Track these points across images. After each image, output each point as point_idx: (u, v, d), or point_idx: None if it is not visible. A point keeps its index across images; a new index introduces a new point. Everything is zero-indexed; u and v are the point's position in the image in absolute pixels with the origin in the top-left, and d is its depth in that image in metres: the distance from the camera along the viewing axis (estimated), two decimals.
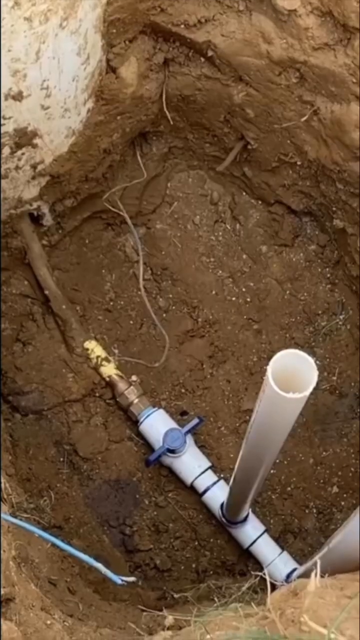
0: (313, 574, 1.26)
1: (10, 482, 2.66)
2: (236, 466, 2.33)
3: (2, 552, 1.67)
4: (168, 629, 1.77)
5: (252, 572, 1.92)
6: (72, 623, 2.04)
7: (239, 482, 2.44)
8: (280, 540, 3.11)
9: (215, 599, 2.29)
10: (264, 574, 1.47)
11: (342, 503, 3.17)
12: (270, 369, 1.61)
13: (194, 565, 3.13)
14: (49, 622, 1.82)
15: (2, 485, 2.38)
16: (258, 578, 1.60)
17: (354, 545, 1.68)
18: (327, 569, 1.58)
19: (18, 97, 2.28)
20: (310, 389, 1.59)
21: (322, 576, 1.49)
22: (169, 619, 1.78)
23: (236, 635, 1.17)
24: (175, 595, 2.69)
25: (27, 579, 1.98)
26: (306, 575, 1.43)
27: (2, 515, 1.67)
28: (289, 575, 2.90)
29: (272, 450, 2.04)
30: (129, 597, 2.96)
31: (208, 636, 1.30)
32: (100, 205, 3.17)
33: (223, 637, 1.23)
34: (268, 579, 1.40)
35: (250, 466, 2.20)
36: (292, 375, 1.62)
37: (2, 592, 1.58)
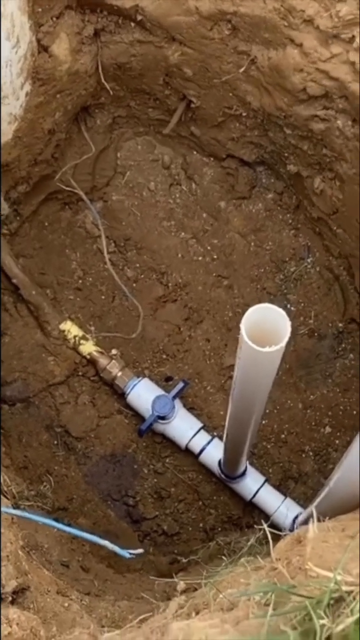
0: (310, 521, 1.28)
1: (8, 473, 2.68)
2: (226, 423, 2.36)
3: (8, 544, 1.68)
4: (182, 593, 1.80)
5: (256, 527, 1.94)
6: (90, 601, 2.07)
7: (232, 438, 2.47)
8: (282, 487, 3.16)
9: (224, 557, 2.32)
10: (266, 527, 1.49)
11: (337, 442, 3.22)
12: (243, 326, 1.62)
13: (201, 525, 3.17)
14: (66, 604, 1.85)
15: (2, 478, 2.40)
16: (262, 531, 1.63)
17: (352, 483, 1.71)
18: (328, 512, 1.61)
19: None
20: (286, 340, 1.61)
21: (323, 520, 1.52)
22: (181, 585, 1.81)
23: (247, 591, 1.19)
24: (184, 560, 2.73)
25: (39, 565, 2.00)
26: (308, 520, 1.45)
27: (2, 508, 1.69)
28: (295, 520, 2.95)
29: (258, 403, 2.06)
30: (142, 565, 3.00)
31: (220, 596, 1.33)
32: (54, 186, 3.15)
33: (235, 595, 1.26)
34: (268, 531, 1.43)
35: (240, 421, 2.22)
36: (266, 329, 1.63)
37: (16, 583, 1.60)
